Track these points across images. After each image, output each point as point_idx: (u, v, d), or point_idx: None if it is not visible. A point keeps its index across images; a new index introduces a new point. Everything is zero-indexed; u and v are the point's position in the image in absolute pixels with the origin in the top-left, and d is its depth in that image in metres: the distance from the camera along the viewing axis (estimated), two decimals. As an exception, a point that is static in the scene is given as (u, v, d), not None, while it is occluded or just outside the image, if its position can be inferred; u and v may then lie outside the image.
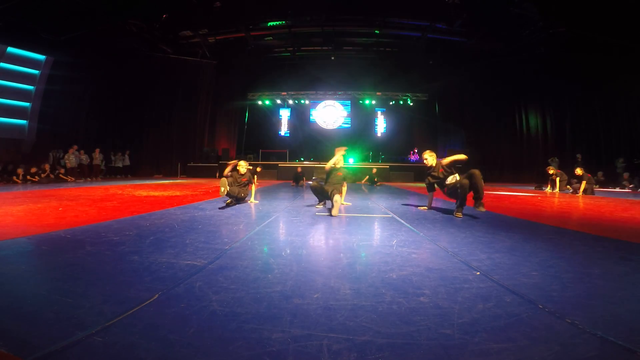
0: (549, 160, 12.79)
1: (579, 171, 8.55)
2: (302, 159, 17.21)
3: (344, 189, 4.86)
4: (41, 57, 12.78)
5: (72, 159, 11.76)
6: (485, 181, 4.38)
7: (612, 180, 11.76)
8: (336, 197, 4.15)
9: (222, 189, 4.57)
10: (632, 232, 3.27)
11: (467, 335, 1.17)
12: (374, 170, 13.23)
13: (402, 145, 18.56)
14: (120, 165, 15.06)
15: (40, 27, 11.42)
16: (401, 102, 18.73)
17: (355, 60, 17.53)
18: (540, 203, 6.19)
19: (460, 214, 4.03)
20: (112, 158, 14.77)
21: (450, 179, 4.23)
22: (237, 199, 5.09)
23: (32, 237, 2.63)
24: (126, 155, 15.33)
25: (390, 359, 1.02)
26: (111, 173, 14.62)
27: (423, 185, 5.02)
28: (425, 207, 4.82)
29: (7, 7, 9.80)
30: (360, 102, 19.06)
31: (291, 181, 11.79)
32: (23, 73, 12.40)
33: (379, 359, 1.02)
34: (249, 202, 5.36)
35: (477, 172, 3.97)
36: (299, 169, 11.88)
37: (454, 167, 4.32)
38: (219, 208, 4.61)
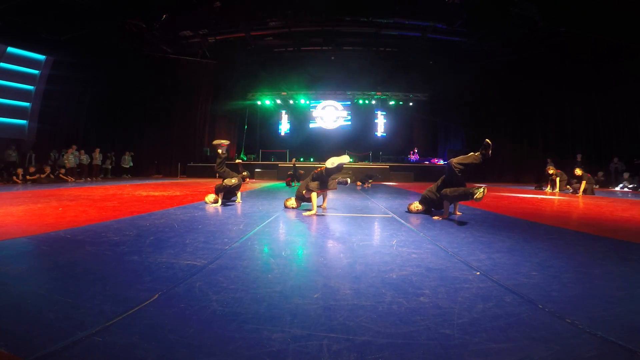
0: (548, 160, 12.80)
1: (578, 171, 8.53)
2: (302, 159, 17.19)
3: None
4: (41, 57, 12.76)
5: (71, 159, 11.75)
6: (485, 181, 4.40)
7: (612, 180, 11.75)
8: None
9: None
10: (632, 232, 3.27)
11: (467, 335, 1.16)
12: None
13: (402, 145, 18.55)
14: (126, 166, 15.07)
15: (40, 27, 11.40)
16: (401, 102, 18.71)
17: (355, 60, 17.50)
18: (540, 203, 6.18)
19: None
20: (110, 158, 14.71)
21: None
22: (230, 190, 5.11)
23: (32, 237, 2.63)
24: (128, 157, 15.31)
25: (390, 359, 1.02)
26: (112, 174, 14.59)
27: (423, 184, 4.98)
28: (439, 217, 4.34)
29: (7, 7, 9.80)
30: (360, 102, 19.03)
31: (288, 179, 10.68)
32: (23, 73, 12.38)
33: (379, 359, 1.02)
34: (236, 202, 5.36)
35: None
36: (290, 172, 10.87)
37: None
38: (221, 205, 4.61)
